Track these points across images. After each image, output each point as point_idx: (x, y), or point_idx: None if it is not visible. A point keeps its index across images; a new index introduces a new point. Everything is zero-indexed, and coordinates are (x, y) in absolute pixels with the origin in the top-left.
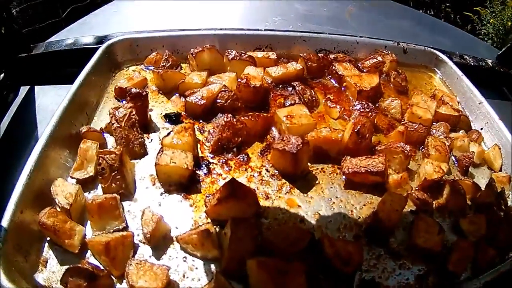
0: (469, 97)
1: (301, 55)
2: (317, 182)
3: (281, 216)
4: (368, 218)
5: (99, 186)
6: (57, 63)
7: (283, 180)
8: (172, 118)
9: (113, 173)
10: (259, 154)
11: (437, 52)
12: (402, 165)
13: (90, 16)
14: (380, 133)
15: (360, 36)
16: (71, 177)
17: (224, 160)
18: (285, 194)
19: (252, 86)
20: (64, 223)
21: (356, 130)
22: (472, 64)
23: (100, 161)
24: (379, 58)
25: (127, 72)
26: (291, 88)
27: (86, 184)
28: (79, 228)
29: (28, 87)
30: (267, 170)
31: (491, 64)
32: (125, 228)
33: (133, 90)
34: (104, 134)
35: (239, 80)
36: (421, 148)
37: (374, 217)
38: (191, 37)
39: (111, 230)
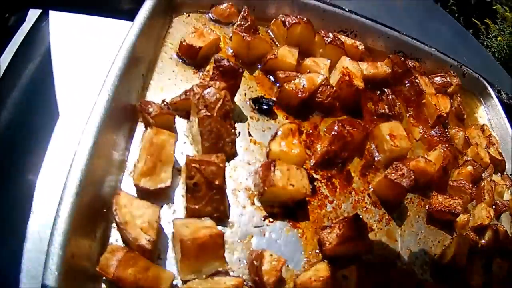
0: (506, 140)
1: (390, 56)
2: (408, 214)
3: (383, 251)
4: (443, 258)
5: (176, 199)
6: None
7: (383, 210)
8: (263, 107)
9: (211, 193)
10: (361, 174)
11: (486, 84)
12: (465, 204)
13: None
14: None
15: (432, 47)
16: (135, 185)
17: (328, 177)
18: (385, 226)
19: (355, 86)
20: (146, 271)
21: (444, 166)
22: (506, 101)
23: (193, 173)
24: (448, 79)
25: (189, 20)
26: (379, 92)
27: (153, 195)
28: (166, 274)
29: (40, 10)
30: (369, 195)
31: None
32: (227, 272)
33: (225, 62)
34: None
35: (341, 75)
36: (475, 186)
37: (451, 259)
38: None
39: (209, 274)
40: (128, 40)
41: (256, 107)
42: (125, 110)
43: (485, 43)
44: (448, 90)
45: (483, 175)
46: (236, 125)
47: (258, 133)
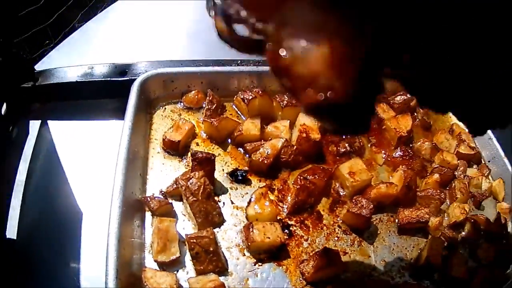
0: None
1: None
2: (378, 232)
3: (358, 268)
4: (419, 260)
5: (187, 263)
6: (68, 94)
7: (354, 235)
8: (238, 178)
9: (209, 256)
10: (330, 211)
11: None
12: (436, 208)
13: (86, 27)
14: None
15: None
16: (155, 261)
17: (301, 220)
18: (358, 247)
19: (312, 140)
20: None
21: (406, 185)
22: None
23: (192, 246)
24: (408, 94)
25: (166, 113)
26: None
27: (169, 265)
28: None
29: (39, 122)
30: (339, 226)
31: None
32: None
33: (199, 154)
34: (169, 199)
35: (298, 133)
36: (447, 187)
37: (425, 260)
38: (233, 74)
39: None
40: (124, 140)
41: (233, 179)
42: (134, 205)
43: None
44: (411, 104)
45: (456, 173)
46: (220, 197)
47: (238, 200)
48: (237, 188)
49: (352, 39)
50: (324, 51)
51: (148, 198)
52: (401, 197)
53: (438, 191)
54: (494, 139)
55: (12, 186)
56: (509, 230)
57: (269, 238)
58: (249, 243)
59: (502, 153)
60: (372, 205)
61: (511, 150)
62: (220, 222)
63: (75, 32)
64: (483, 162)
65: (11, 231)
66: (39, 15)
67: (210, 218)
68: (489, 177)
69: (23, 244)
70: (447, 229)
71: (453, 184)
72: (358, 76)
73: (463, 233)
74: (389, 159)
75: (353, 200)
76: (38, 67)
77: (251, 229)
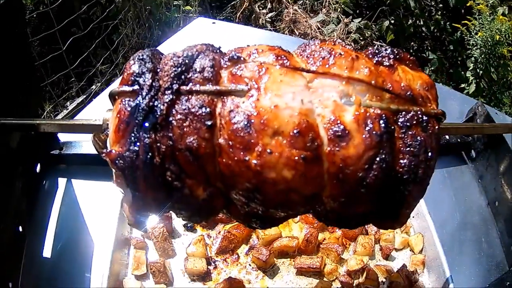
0: None
1: None
2: (279, 271)
3: None
4: None
5: (150, 276)
6: (89, 162)
7: (259, 271)
8: (189, 227)
9: (161, 274)
10: (245, 254)
11: None
12: (336, 257)
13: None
14: (326, 230)
15: None
16: (132, 274)
17: (224, 258)
18: (260, 280)
19: None
20: None
21: (306, 239)
22: None
23: (151, 267)
24: None
25: None
26: None
27: (141, 277)
28: None
29: (66, 179)
30: (250, 265)
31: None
32: None
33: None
34: (145, 239)
35: None
36: (355, 241)
37: None
38: None
39: None
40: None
41: (185, 228)
42: (124, 241)
43: (470, 42)
44: None
45: (367, 229)
46: (177, 239)
47: (187, 241)
48: (187, 235)
49: None
50: None
51: (131, 237)
52: (303, 247)
53: (337, 244)
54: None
55: (47, 224)
56: (421, 281)
57: (196, 267)
58: (186, 269)
59: (425, 210)
60: (269, 253)
61: (433, 207)
62: (173, 255)
63: None
64: None
65: (47, 252)
66: None
67: (166, 252)
68: (409, 231)
69: (54, 261)
70: (344, 276)
71: (358, 239)
72: None
73: (360, 280)
74: (303, 217)
75: (256, 249)
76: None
77: (186, 261)
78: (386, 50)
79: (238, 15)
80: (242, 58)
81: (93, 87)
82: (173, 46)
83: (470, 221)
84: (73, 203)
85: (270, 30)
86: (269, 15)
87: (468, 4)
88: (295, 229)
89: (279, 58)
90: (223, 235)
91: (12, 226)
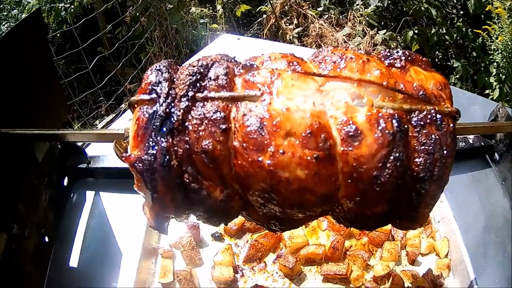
0: None
1: None
2: (306, 278)
3: None
4: None
5: (177, 284)
6: (116, 175)
7: (286, 279)
8: (216, 237)
9: (187, 281)
10: (272, 262)
11: None
12: (362, 264)
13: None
14: (353, 238)
15: None
16: (159, 282)
17: (251, 267)
18: (287, 287)
19: None
20: None
21: (333, 246)
22: None
23: (177, 275)
24: None
25: None
26: None
27: (168, 284)
28: None
29: (93, 192)
30: (276, 272)
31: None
32: None
33: (189, 223)
34: (173, 249)
35: None
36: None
37: None
38: None
39: None
40: None
41: (213, 238)
42: (151, 251)
43: (492, 48)
44: None
45: (394, 235)
46: (205, 249)
47: (214, 250)
48: (214, 244)
49: None
50: None
51: (159, 247)
52: (329, 254)
53: (363, 251)
54: (446, 202)
55: (75, 235)
56: (446, 285)
57: (223, 275)
58: (212, 277)
59: (451, 214)
60: (295, 260)
61: (459, 211)
62: (201, 264)
63: None
64: (432, 222)
65: (73, 262)
66: None
67: (193, 261)
68: (435, 236)
69: (81, 271)
70: (370, 282)
71: (384, 245)
72: None
73: (386, 285)
74: (330, 224)
75: (283, 256)
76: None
77: (213, 269)
78: (397, 52)
79: (265, 32)
80: (255, 66)
81: (122, 105)
82: None
83: (494, 224)
84: (101, 215)
85: (297, 45)
86: (296, 30)
87: (487, 9)
88: (322, 237)
89: (291, 64)
90: (250, 243)
91: (38, 236)
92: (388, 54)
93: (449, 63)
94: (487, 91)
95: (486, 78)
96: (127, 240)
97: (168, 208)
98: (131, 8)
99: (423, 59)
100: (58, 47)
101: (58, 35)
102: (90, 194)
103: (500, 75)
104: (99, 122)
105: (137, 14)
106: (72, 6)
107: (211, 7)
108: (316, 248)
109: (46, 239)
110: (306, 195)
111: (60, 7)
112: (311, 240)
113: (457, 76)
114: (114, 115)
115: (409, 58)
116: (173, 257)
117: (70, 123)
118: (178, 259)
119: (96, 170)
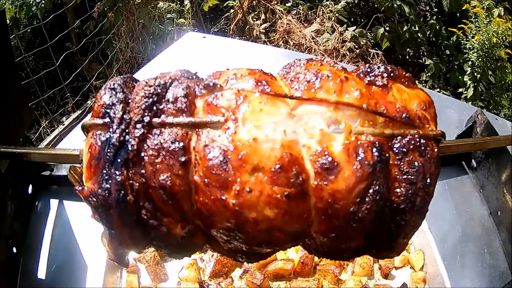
0: None
1: None
2: None
3: None
4: None
5: None
6: None
7: None
8: None
9: None
10: (239, 277)
11: None
12: (333, 279)
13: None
14: None
15: None
16: None
17: (218, 282)
18: None
19: None
20: None
21: (302, 261)
22: None
23: None
24: None
25: None
26: None
27: None
28: None
29: (57, 200)
30: None
31: None
32: None
33: None
34: (137, 263)
35: None
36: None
37: None
38: None
39: None
40: None
41: None
42: (116, 264)
43: (467, 46)
44: None
45: None
46: (169, 263)
47: (179, 266)
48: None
49: None
50: None
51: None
52: (298, 270)
53: (334, 266)
54: None
55: (41, 245)
56: None
57: None
58: None
59: (425, 226)
60: (263, 277)
61: (434, 222)
62: (166, 280)
63: None
64: None
65: (41, 274)
66: None
67: (158, 277)
68: (409, 248)
69: (49, 282)
70: None
71: (356, 259)
72: None
73: None
74: None
75: (250, 273)
76: None
77: (179, 285)
78: (378, 68)
79: (232, 27)
80: (218, 85)
81: (88, 102)
82: (165, 61)
83: (472, 233)
84: (66, 225)
85: (264, 41)
86: (263, 26)
87: (463, 8)
88: (290, 251)
89: (259, 83)
90: (216, 258)
91: (6, 248)
92: (369, 70)
93: (421, 61)
94: (460, 90)
95: (460, 77)
96: (92, 251)
97: (127, 243)
98: (99, 3)
99: (406, 75)
100: (28, 42)
101: (29, 30)
102: (54, 203)
103: (475, 73)
104: (66, 119)
105: (105, 8)
106: (43, 1)
107: (178, 2)
108: (284, 264)
109: (14, 250)
110: (276, 234)
111: (31, 2)
112: (279, 255)
113: (429, 74)
114: (80, 111)
115: (391, 74)
116: (138, 271)
117: (38, 120)
118: (143, 273)
119: (59, 178)
